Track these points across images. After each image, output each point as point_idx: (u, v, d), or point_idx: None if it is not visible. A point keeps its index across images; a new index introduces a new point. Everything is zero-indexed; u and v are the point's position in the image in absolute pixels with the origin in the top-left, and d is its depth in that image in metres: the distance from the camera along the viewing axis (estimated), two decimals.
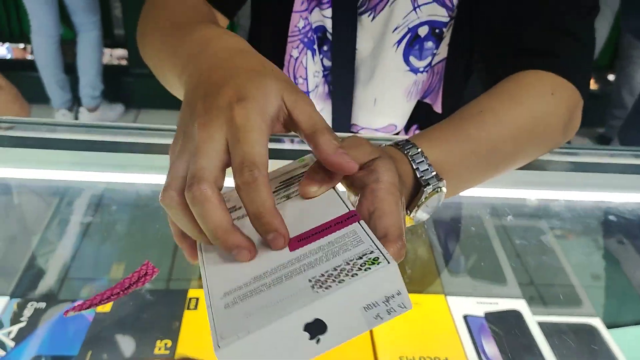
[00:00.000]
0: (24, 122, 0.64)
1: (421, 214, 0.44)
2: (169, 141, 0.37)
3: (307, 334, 0.29)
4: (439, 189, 0.43)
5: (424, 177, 0.43)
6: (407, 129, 0.75)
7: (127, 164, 0.65)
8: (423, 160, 0.43)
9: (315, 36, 0.69)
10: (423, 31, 0.67)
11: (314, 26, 0.69)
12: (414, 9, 0.66)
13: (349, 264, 0.30)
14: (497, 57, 0.59)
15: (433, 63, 0.70)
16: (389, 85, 0.70)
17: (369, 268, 0.30)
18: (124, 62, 3.12)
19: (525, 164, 0.56)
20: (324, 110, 0.74)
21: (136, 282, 0.38)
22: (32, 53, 2.71)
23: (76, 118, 2.79)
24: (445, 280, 0.61)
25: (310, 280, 0.30)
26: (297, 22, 0.68)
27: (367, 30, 0.68)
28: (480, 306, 0.59)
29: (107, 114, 2.89)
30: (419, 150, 0.44)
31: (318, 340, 0.30)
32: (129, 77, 2.94)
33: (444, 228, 0.68)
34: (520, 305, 0.59)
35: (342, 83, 0.71)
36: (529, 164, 0.56)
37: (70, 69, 2.71)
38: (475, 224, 0.69)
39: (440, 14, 0.66)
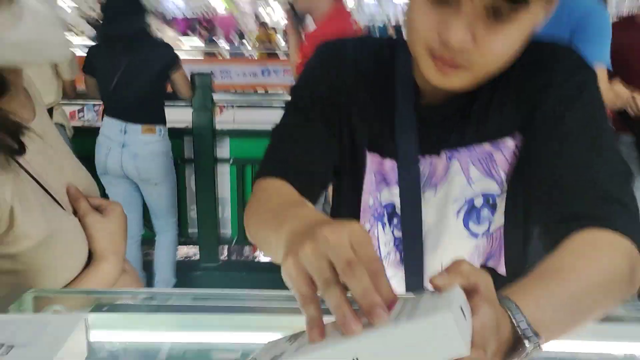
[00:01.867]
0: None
1: None
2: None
3: None
4: (539, 347, 0.48)
5: (524, 334, 0.48)
6: None
7: (232, 325, 0.73)
8: (522, 317, 0.49)
9: (385, 211, 0.82)
10: (478, 202, 0.78)
11: (383, 204, 0.82)
12: (469, 183, 0.78)
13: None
14: (553, 223, 0.68)
15: (491, 230, 0.80)
16: (453, 251, 0.79)
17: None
18: (195, 258, 3.36)
19: (600, 317, 0.60)
20: (397, 276, 0.83)
21: None
22: None
23: None
24: None
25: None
26: (368, 200, 0.81)
27: (431, 204, 0.80)
28: None
29: None
30: (517, 305, 0.50)
31: None
32: (199, 270, 3.15)
33: None
34: None
35: (412, 252, 0.81)
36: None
37: (147, 266, 2.94)
38: None
39: (492, 187, 0.78)
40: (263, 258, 3.44)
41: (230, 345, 0.76)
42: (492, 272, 0.81)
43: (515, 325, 0.48)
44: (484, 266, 0.81)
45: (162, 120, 2.73)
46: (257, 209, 0.71)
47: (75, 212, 0.81)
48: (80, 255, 0.79)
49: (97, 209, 0.84)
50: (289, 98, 0.84)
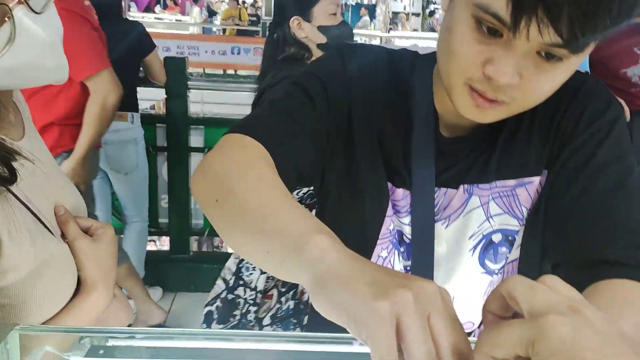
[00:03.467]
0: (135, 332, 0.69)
1: None
2: None
3: None
4: None
5: None
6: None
7: None
8: None
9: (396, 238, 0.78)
10: (497, 238, 0.75)
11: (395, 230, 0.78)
12: (487, 219, 0.75)
13: None
14: (577, 266, 0.65)
15: (506, 264, 0.77)
16: (467, 287, 0.76)
17: None
18: (165, 248, 3.27)
19: None
20: None
21: None
22: None
23: None
24: None
25: None
26: (389, 224, 0.77)
27: (442, 236, 0.77)
28: None
29: None
30: None
31: None
32: (169, 262, 3.06)
33: None
34: None
35: None
36: None
37: None
38: None
39: (512, 224, 0.75)
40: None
41: None
42: None
43: None
44: None
45: (134, 107, 2.61)
46: (229, 188, 0.58)
47: (63, 235, 0.74)
48: (69, 285, 0.73)
49: (87, 231, 0.78)
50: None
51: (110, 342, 0.73)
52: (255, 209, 0.55)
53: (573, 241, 0.67)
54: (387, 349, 0.37)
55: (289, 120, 0.71)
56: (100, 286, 0.75)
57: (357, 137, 0.75)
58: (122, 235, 2.81)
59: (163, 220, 3.11)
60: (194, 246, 3.24)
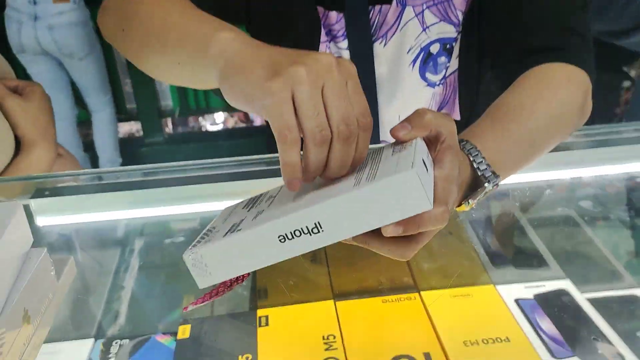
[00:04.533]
0: (86, 174, 0.70)
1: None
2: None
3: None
4: (496, 186, 0.49)
5: (484, 175, 0.48)
6: None
7: (186, 196, 0.70)
8: (481, 159, 0.49)
9: None
10: (435, 48, 0.74)
11: None
12: (424, 29, 0.73)
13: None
14: (510, 59, 0.66)
15: (446, 75, 0.77)
16: (410, 102, 0.76)
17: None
18: (138, 134, 3.25)
19: (552, 148, 0.61)
20: None
21: (235, 280, 0.43)
22: None
23: None
24: (491, 271, 0.65)
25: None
26: (324, 51, 0.75)
27: (382, 55, 0.75)
28: (529, 290, 0.62)
29: None
30: (476, 148, 0.49)
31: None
32: (144, 147, 3.06)
33: (480, 222, 0.73)
34: (566, 284, 0.63)
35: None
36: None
37: (89, 147, 2.83)
38: (509, 212, 0.73)
39: (449, 31, 0.73)
40: (210, 127, 3.37)
41: (188, 215, 0.75)
42: None
43: (475, 167, 0.48)
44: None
45: None
46: (132, 13, 0.56)
47: None
48: (5, 145, 0.72)
49: (15, 92, 0.75)
50: None
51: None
52: (159, 25, 0.53)
53: (505, 34, 0.68)
54: (284, 123, 0.38)
55: None
56: (40, 142, 0.74)
57: None
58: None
59: (131, 105, 3.05)
60: (167, 128, 3.22)
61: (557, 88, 0.60)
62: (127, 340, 0.60)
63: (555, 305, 0.60)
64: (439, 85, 0.76)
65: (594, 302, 0.60)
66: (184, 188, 0.68)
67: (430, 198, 0.37)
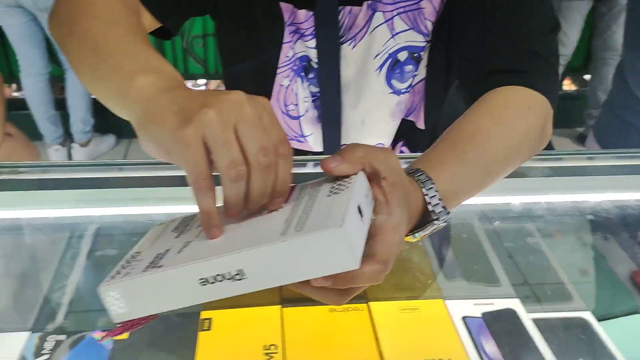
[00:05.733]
0: (33, 166, 0.67)
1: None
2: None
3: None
4: (446, 222, 0.47)
5: (435, 211, 0.47)
6: (394, 145, 0.80)
7: (129, 198, 0.68)
8: (434, 193, 0.47)
9: (301, 64, 0.74)
10: (402, 56, 0.72)
11: (298, 55, 0.73)
12: (392, 36, 0.70)
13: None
14: (474, 77, 0.64)
15: (413, 83, 0.75)
16: (375, 107, 0.74)
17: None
18: None
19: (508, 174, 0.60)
20: (315, 133, 0.78)
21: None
22: (19, 91, 2.75)
23: (69, 153, 2.82)
24: (442, 285, 0.64)
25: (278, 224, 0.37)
26: (287, 52, 0.72)
27: (349, 57, 0.73)
28: (477, 307, 0.62)
29: (99, 147, 2.91)
30: (430, 180, 0.47)
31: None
32: None
33: (437, 235, 0.72)
34: (514, 304, 0.63)
35: (330, 107, 0.75)
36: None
37: (60, 105, 2.74)
38: (466, 230, 0.72)
39: (417, 39, 0.71)
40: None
41: (139, 216, 0.73)
42: (411, 125, 0.78)
43: (428, 201, 0.47)
44: (404, 120, 0.77)
45: None
46: (81, 40, 0.53)
47: None
48: None
49: None
50: None
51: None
52: (92, 49, 0.51)
53: (470, 51, 0.65)
54: (198, 171, 0.37)
55: None
56: None
57: None
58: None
59: None
60: None
61: (516, 114, 0.58)
62: (64, 337, 0.58)
63: (500, 326, 0.60)
64: (404, 93, 0.74)
65: (539, 322, 0.60)
66: (135, 190, 0.65)
67: (358, 257, 0.35)
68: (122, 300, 0.37)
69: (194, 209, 0.49)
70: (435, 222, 0.47)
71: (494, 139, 0.54)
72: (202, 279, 0.36)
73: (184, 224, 0.46)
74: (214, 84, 3.28)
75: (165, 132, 0.38)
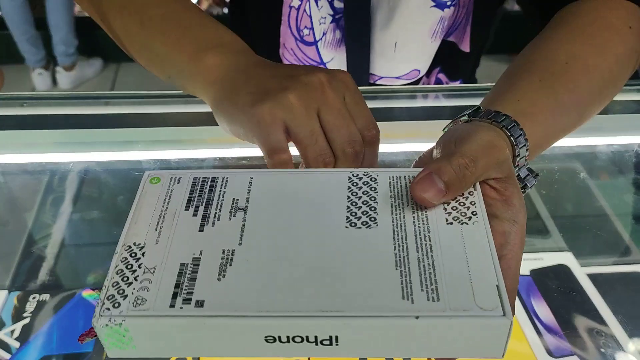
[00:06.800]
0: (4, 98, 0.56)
1: None
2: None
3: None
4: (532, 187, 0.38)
5: (520, 175, 0.36)
6: (428, 73, 0.67)
7: (118, 140, 0.58)
8: (525, 153, 0.36)
9: None
10: None
11: None
12: None
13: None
14: None
15: None
16: (411, 26, 0.61)
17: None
18: None
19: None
20: (336, 59, 0.65)
21: None
22: None
23: (54, 78, 2.66)
24: None
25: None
26: None
27: None
28: (524, 264, 0.54)
29: (85, 72, 2.75)
30: (523, 136, 0.36)
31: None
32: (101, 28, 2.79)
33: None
34: (566, 258, 0.55)
35: (357, 27, 0.62)
36: None
37: (42, 25, 2.55)
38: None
39: None
40: None
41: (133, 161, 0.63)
42: (453, 47, 0.66)
43: (515, 163, 0.36)
44: (444, 41, 0.65)
45: None
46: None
47: None
48: None
49: None
50: None
51: None
52: (158, 18, 0.45)
53: None
54: (278, 148, 0.36)
55: None
56: None
57: None
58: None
59: None
60: None
61: (614, 37, 0.44)
62: (48, 295, 0.50)
63: (552, 284, 0.52)
64: (449, 6, 0.60)
65: (594, 277, 0.53)
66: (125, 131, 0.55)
67: (506, 346, 0.25)
68: (131, 338, 0.25)
69: (190, 154, 0.42)
70: (524, 189, 0.37)
71: (591, 71, 0.42)
72: (271, 336, 0.24)
73: (201, 197, 0.31)
74: (205, 3, 3.05)
75: (240, 109, 0.37)
